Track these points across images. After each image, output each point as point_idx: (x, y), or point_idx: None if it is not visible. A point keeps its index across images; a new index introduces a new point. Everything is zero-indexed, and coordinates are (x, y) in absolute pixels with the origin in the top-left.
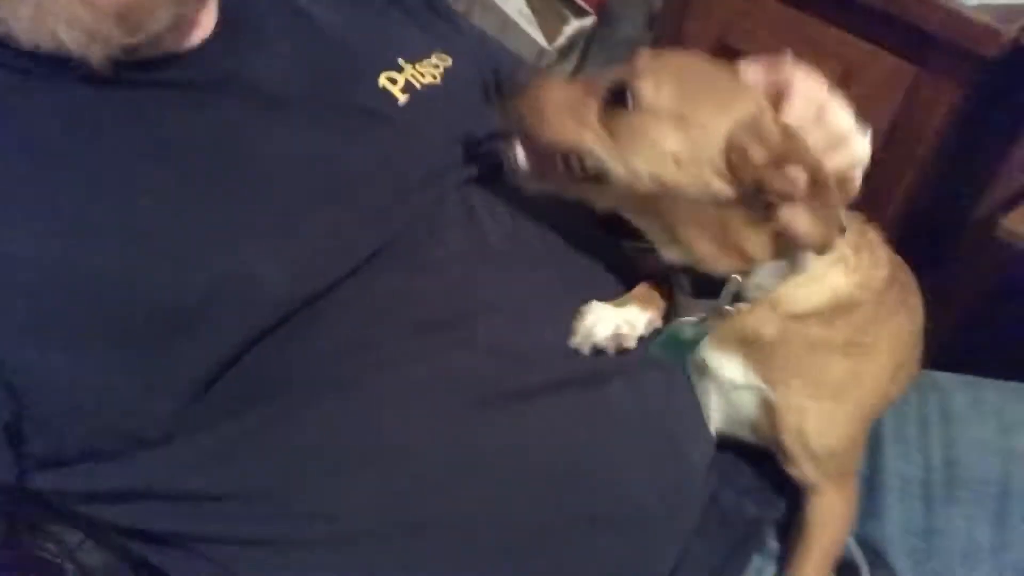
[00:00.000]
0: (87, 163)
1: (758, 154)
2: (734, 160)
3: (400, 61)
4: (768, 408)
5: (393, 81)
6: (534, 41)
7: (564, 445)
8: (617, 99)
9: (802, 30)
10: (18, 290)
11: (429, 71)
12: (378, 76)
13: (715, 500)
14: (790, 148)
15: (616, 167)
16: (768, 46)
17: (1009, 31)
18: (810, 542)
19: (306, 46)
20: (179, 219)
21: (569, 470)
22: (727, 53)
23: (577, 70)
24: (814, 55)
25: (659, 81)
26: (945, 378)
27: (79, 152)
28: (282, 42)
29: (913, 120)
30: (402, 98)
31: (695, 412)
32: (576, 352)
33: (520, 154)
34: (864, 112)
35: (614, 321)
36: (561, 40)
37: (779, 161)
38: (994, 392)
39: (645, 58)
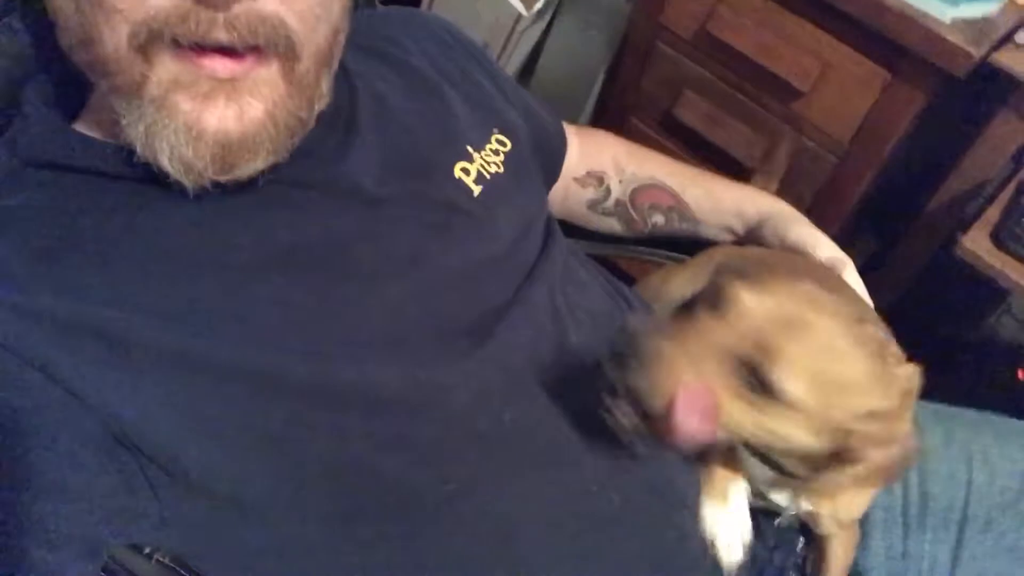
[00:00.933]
0: (207, 289)
1: (875, 432)
2: (854, 439)
3: (469, 149)
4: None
5: (466, 172)
6: (511, 7)
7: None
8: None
9: (784, 26)
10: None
11: (494, 159)
12: (454, 167)
13: (753, 559)
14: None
15: (752, 439)
16: (750, 37)
17: (979, 52)
18: (835, 570)
19: (392, 138)
20: (304, 326)
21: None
22: (709, 41)
23: (547, 30)
24: (795, 51)
25: (798, 375)
26: (920, 413)
27: (202, 263)
28: (372, 135)
29: (881, 121)
30: (476, 189)
31: None
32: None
33: (631, 417)
34: (837, 105)
35: (738, 522)
36: (538, 5)
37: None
38: (962, 428)
39: (765, 322)
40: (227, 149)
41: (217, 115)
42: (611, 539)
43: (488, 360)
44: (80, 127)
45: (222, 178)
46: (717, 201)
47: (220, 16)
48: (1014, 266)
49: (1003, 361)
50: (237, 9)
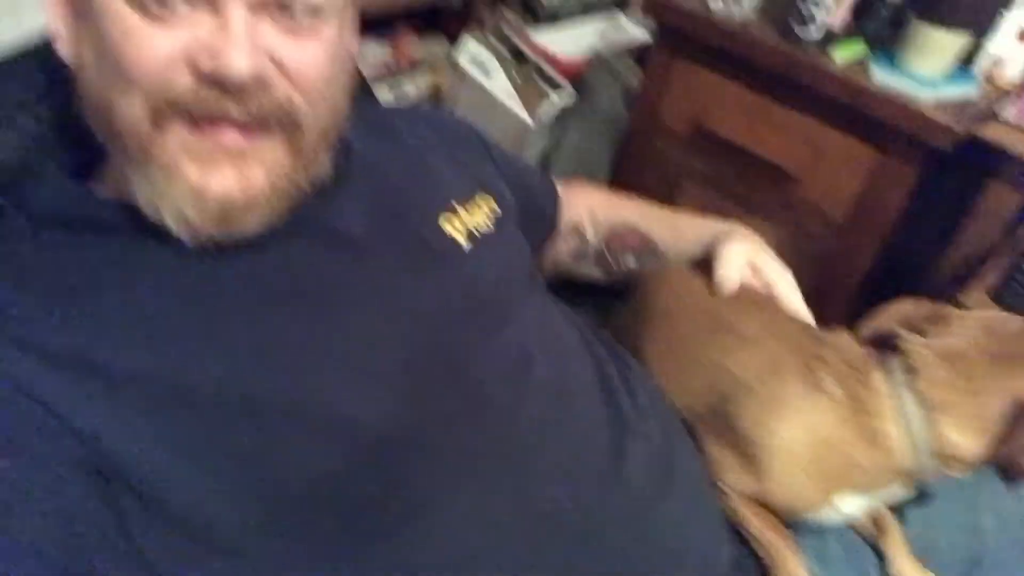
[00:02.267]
0: (196, 326)
1: None
2: None
3: (453, 203)
4: None
5: (452, 224)
6: (519, 118)
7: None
8: None
9: (773, 116)
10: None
11: (483, 219)
12: (438, 217)
13: None
14: None
15: None
16: (742, 129)
17: (960, 126)
18: None
19: (380, 193)
20: (284, 356)
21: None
22: (703, 134)
23: (556, 142)
24: (786, 140)
25: None
26: None
27: (191, 313)
28: (359, 190)
29: (875, 196)
30: (467, 246)
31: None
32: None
33: None
34: (831, 187)
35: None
36: (543, 116)
37: None
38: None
39: None
40: (228, 212)
41: (222, 182)
42: (589, 555)
43: (459, 385)
44: (89, 186)
45: (222, 236)
46: (681, 232)
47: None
48: None
49: None
50: (253, 93)
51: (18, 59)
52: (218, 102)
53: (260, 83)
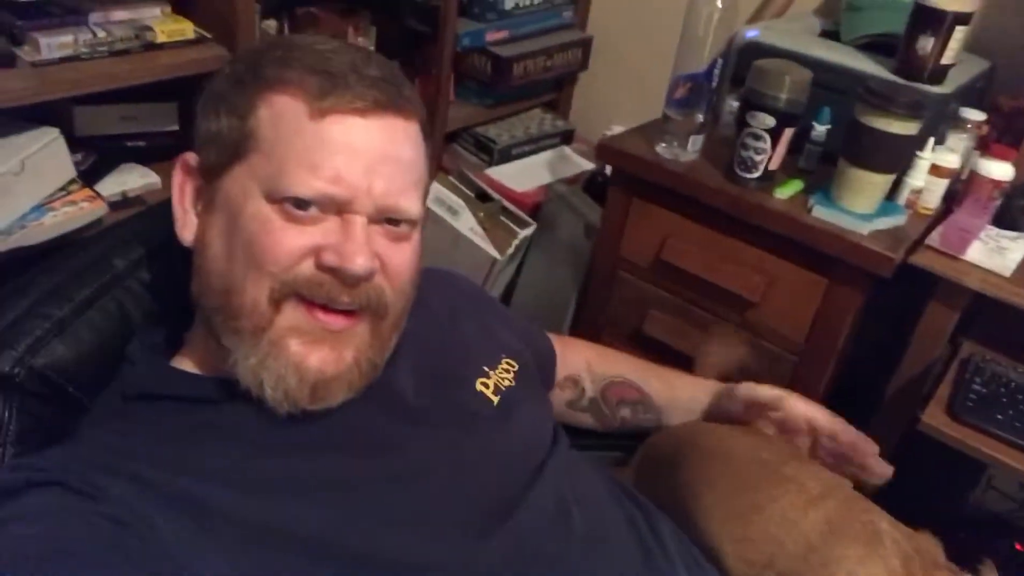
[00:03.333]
0: (286, 480)
1: None
2: None
3: (485, 368)
4: None
5: (486, 386)
6: (486, 253)
7: None
8: None
9: (729, 250)
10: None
11: (507, 376)
12: (475, 382)
13: None
14: None
15: None
16: (699, 260)
17: (895, 254)
18: None
19: (424, 361)
20: (357, 504)
21: None
22: (664, 267)
23: (518, 271)
24: (741, 268)
25: None
26: None
27: (276, 476)
28: (408, 360)
29: (829, 319)
30: (495, 399)
31: None
32: None
33: None
34: (787, 311)
35: None
36: (511, 250)
37: None
38: None
39: None
40: (322, 385)
41: (321, 357)
42: None
43: (508, 536)
44: (176, 364)
45: (312, 407)
46: (674, 390)
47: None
48: (974, 436)
49: (999, 535)
50: (361, 285)
51: (93, 241)
52: (335, 291)
53: (369, 277)
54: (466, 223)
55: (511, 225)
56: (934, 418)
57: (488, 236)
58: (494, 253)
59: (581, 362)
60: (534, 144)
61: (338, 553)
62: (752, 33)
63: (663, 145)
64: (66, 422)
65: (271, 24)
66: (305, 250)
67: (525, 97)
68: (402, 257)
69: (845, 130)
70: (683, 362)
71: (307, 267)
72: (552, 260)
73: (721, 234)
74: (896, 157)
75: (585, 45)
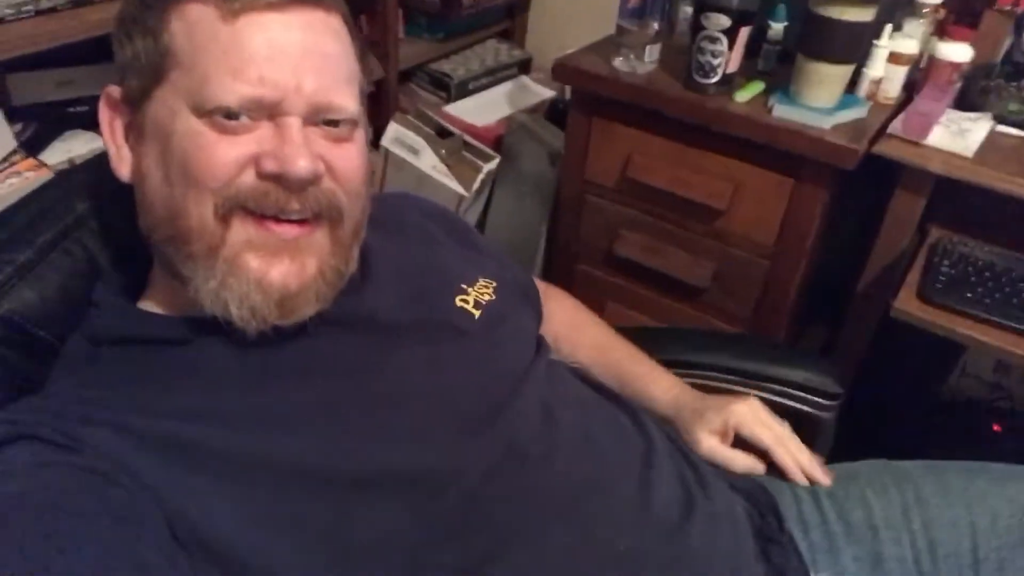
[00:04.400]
0: (264, 409)
1: None
2: None
3: (463, 286)
4: None
5: (465, 301)
6: (452, 190)
7: None
8: None
9: (694, 160)
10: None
11: (486, 291)
12: (454, 299)
13: None
14: None
15: None
16: (665, 174)
17: (858, 146)
18: None
19: (400, 282)
20: (346, 428)
21: None
22: (631, 185)
23: (487, 206)
24: (707, 178)
25: None
26: (913, 467)
27: (253, 402)
28: (384, 281)
29: (797, 220)
30: (476, 313)
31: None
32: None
33: None
34: (756, 216)
35: None
36: (476, 185)
37: None
38: (956, 476)
39: None
40: (288, 299)
41: (282, 271)
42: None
43: (496, 440)
44: (142, 306)
45: (281, 322)
46: (625, 387)
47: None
48: (945, 316)
49: (976, 417)
50: (308, 189)
51: (52, 185)
52: (282, 200)
53: (315, 181)
54: (428, 161)
55: (474, 160)
56: (906, 303)
57: (452, 173)
58: (460, 189)
59: (550, 332)
60: (491, 76)
61: (330, 476)
62: None
63: (619, 59)
64: (37, 368)
65: None
66: (242, 160)
67: (477, 28)
68: (348, 157)
69: (801, 24)
70: (657, 279)
71: (248, 178)
72: (519, 192)
73: (685, 145)
74: (853, 46)
75: None
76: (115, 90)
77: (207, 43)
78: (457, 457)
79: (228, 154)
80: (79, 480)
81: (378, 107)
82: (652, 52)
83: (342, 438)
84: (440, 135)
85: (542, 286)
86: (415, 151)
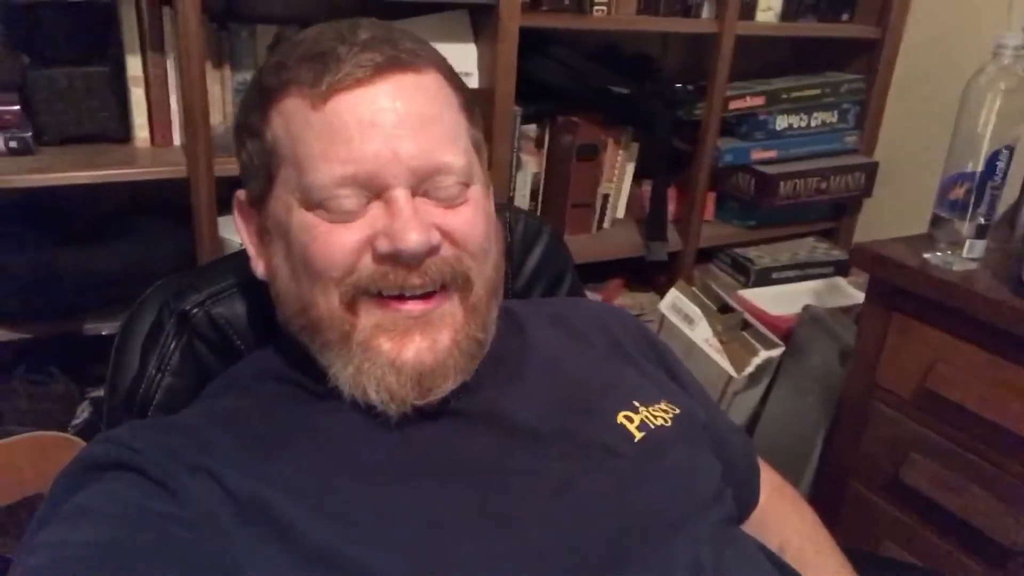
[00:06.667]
0: (369, 497)
1: None
2: None
3: (635, 403)
4: None
5: (630, 420)
6: (721, 368)
7: None
8: None
9: (1010, 378)
10: None
11: (661, 414)
12: (617, 414)
13: None
14: None
15: None
16: (976, 395)
17: None
18: None
19: (557, 386)
20: (455, 542)
21: None
22: (931, 399)
23: (764, 397)
24: None
25: None
26: None
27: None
28: (537, 382)
29: None
30: (638, 435)
31: None
32: None
33: None
34: None
35: None
36: (750, 368)
37: None
38: None
39: None
40: (424, 376)
41: (414, 348)
42: None
43: None
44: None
45: (420, 402)
46: None
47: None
48: None
49: None
50: (427, 261)
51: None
52: (402, 277)
53: (431, 251)
54: (702, 334)
55: (753, 343)
56: None
57: (725, 350)
58: (730, 369)
59: (775, 540)
60: (800, 270)
61: None
62: None
63: (933, 252)
64: (223, 370)
65: (531, 128)
66: (357, 245)
67: (796, 221)
68: (464, 219)
69: None
70: (952, 525)
71: (367, 263)
72: (801, 389)
73: (1004, 360)
74: None
75: (869, 170)
76: (242, 193)
77: (302, 133)
78: None
79: (343, 242)
80: (164, 531)
81: (670, 277)
82: (974, 248)
83: (431, 553)
84: (722, 311)
85: (778, 482)
86: (690, 320)
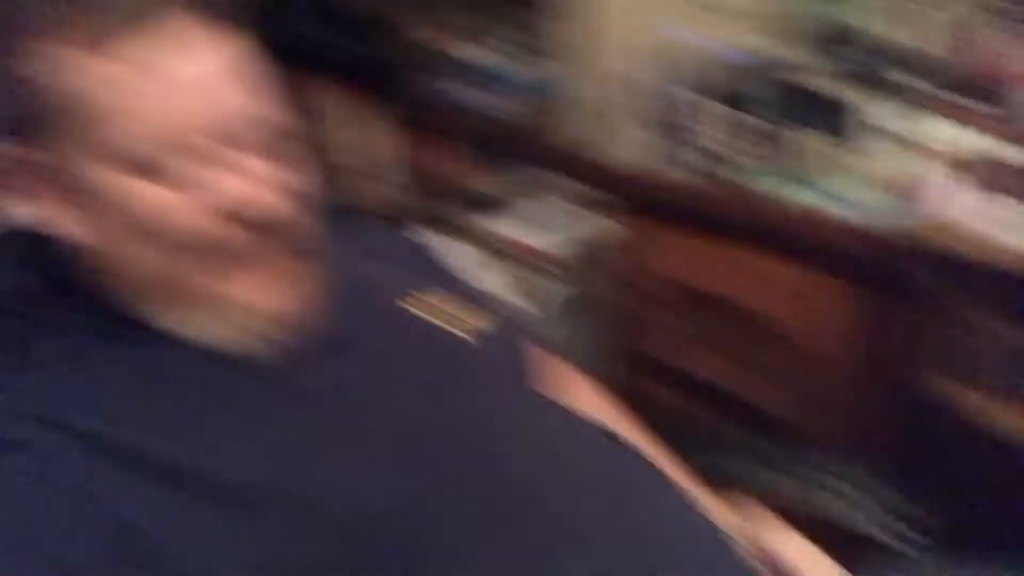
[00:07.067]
0: (231, 426)
1: None
2: None
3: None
4: None
5: (431, 311)
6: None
7: None
8: None
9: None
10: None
11: (457, 311)
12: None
13: None
14: None
15: None
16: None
17: None
18: None
19: (352, 286)
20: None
21: None
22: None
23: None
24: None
25: None
26: None
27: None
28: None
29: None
30: (452, 328)
31: None
32: None
33: None
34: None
35: None
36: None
37: None
38: None
39: None
40: (269, 324)
41: (261, 295)
42: None
43: (462, 458)
44: None
45: (270, 348)
46: None
47: None
48: None
49: None
50: None
51: None
52: (234, 231)
53: (259, 206)
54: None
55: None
56: None
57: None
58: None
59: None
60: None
61: (277, 498)
62: None
63: None
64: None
65: None
66: (190, 205)
67: None
68: (272, 167)
69: None
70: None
71: (206, 221)
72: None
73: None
74: None
75: None
76: None
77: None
78: (416, 481)
79: (168, 199)
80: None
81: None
82: None
83: (323, 462)
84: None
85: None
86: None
